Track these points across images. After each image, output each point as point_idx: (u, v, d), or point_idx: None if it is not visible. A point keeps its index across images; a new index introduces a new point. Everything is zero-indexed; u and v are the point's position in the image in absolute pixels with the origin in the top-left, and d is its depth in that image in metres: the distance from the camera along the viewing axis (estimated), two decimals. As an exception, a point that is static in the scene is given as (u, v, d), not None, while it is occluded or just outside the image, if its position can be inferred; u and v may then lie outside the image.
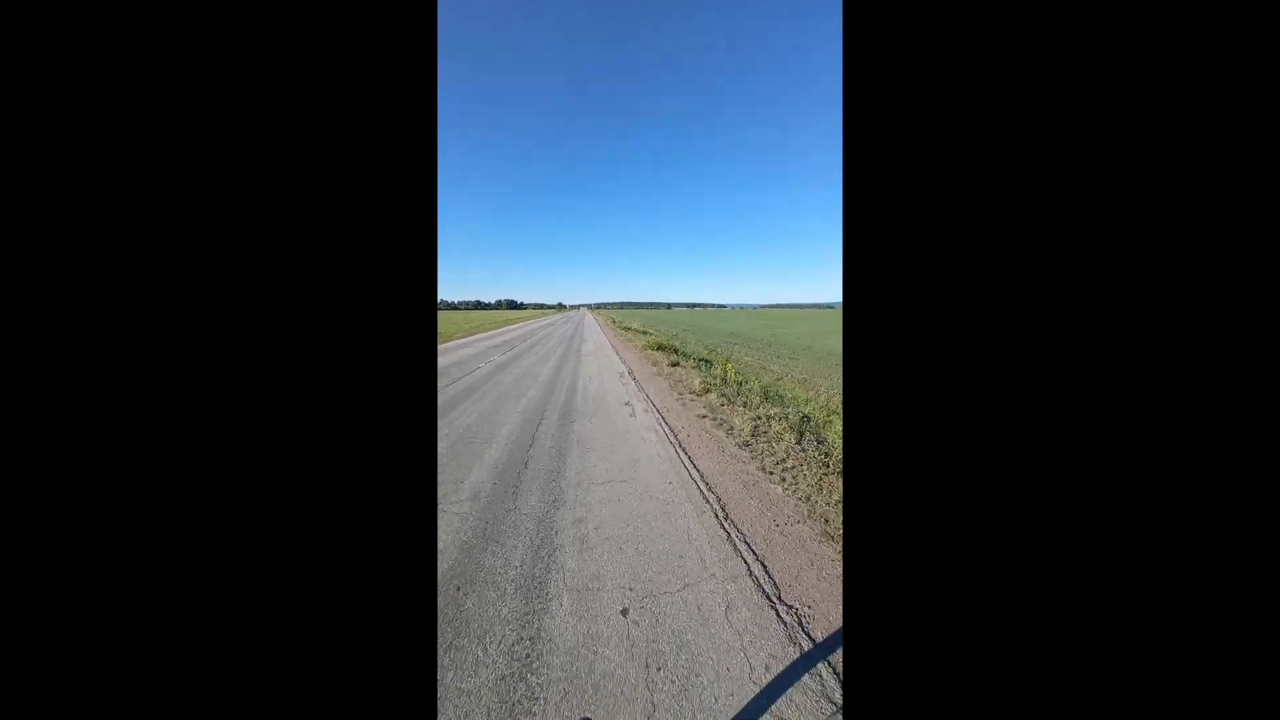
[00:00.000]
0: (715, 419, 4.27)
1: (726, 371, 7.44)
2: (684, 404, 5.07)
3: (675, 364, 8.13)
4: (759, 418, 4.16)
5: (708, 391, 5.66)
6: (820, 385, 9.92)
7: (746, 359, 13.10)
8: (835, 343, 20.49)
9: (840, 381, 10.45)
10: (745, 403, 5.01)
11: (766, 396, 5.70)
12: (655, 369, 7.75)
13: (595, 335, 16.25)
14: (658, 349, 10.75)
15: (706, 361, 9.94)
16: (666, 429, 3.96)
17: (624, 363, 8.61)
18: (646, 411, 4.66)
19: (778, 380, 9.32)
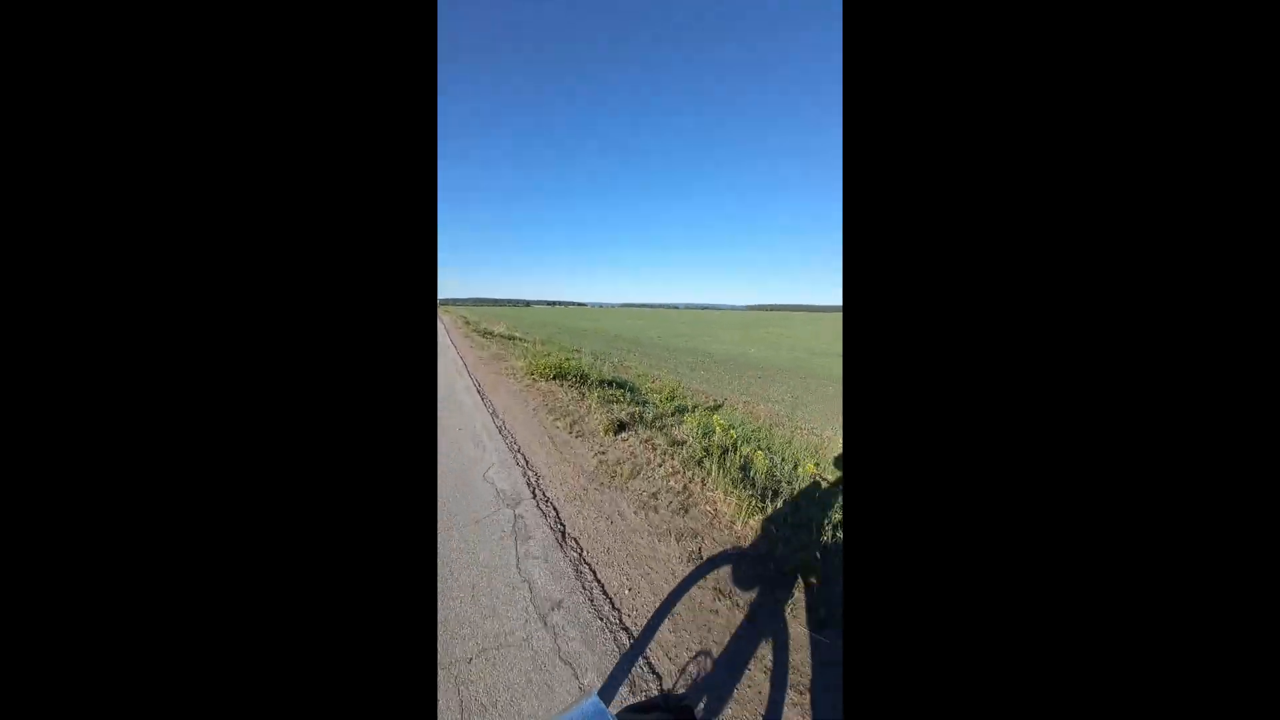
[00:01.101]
0: None
1: (722, 434, 3.67)
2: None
3: (619, 425, 3.96)
4: None
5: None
6: (767, 407, 7.12)
7: (658, 371, 9.70)
8: (724, 347, 19.20)
9: (789, 401, 7.93)
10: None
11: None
12: (604, 468, 3.37)
13: (442, 361, 8.36)
14: (554, 377, 6.37)
15: (626, 387, 6.04)
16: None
17: (515, 453, 3.30)
18: None
19: (761, 424, 6.06)
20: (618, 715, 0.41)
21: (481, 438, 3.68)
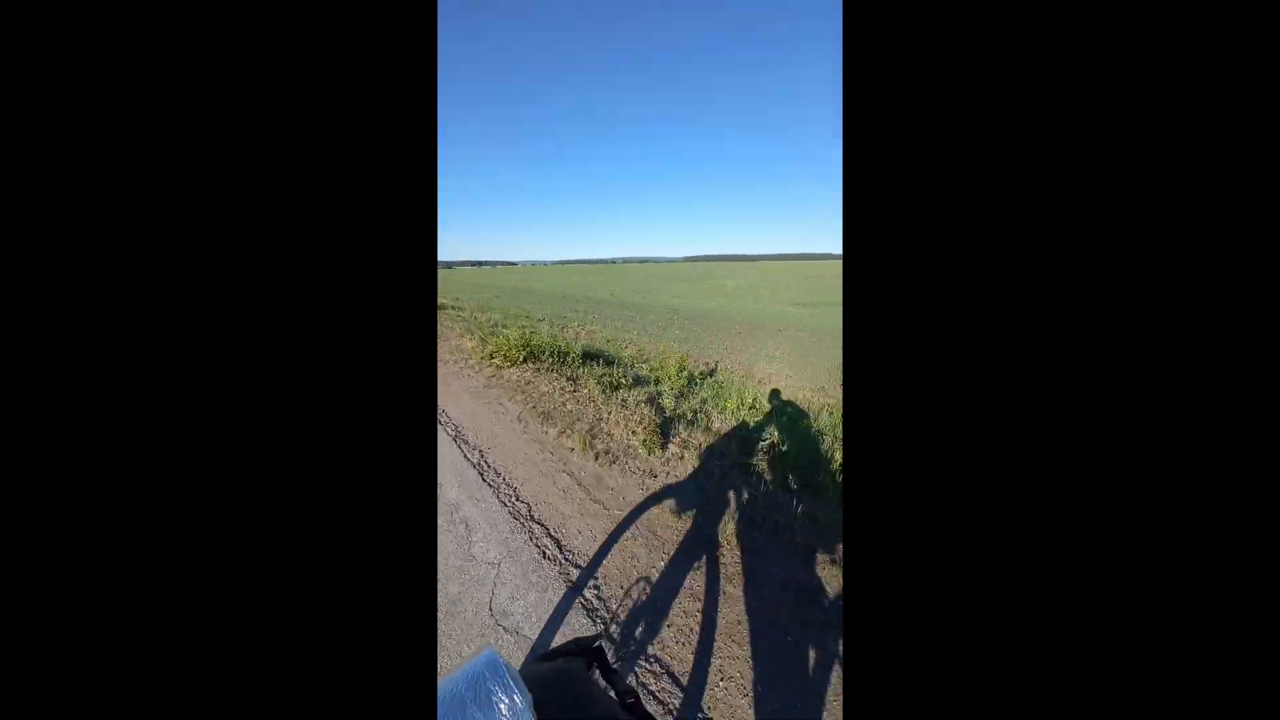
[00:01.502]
0: None
1: (789, 422, 2.57)
2: None
3: (660, 431, 2.66)
4: None
5: None
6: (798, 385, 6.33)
7: (628, 334, 8.43)
8: (683, 301, 18.27)
9: (784, 360, 7.21)
10: None
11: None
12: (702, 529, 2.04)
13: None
14: (525, 360, 4.88)
15: (616, 363, 4.72)
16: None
17: (527, 525, 2.03)
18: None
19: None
20: (525, 664, 0.43)
21: (456, 501, 2.10)
